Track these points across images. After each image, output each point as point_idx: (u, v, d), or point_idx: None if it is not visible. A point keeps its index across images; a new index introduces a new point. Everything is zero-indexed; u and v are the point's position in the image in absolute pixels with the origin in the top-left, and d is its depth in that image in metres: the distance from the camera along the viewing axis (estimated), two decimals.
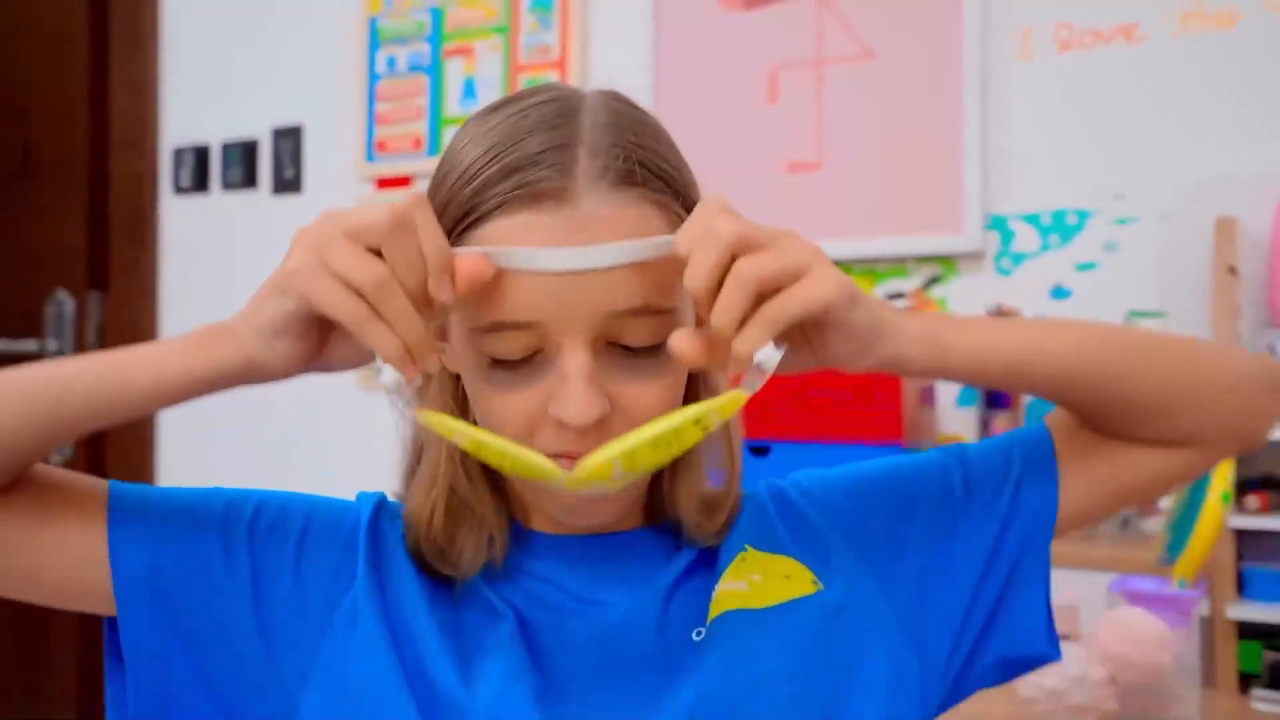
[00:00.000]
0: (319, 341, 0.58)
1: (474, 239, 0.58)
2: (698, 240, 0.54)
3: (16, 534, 0.61)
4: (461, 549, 0.64)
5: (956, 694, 0.69)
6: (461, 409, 0.65)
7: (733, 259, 0.54)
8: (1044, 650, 0.69)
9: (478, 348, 0.59)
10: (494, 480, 0.66)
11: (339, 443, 2.06)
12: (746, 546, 0.67)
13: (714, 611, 0.63)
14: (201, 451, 2.21)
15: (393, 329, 0.54)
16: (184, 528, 0.64)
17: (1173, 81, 1.51)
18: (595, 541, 0.66)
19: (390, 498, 0.71)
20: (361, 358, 0.59)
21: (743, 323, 0.53)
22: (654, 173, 0.59)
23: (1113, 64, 1.54)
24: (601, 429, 0.58)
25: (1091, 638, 1.02)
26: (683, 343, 0.56)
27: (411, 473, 0.68)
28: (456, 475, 0.65)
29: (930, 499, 0.69)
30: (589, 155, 0.58)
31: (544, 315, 0.57)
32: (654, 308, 0.58)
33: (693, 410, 0.56)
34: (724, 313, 0.53)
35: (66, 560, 0.62)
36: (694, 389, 0.66)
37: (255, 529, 0.65)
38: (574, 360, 0.57)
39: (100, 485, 0.65)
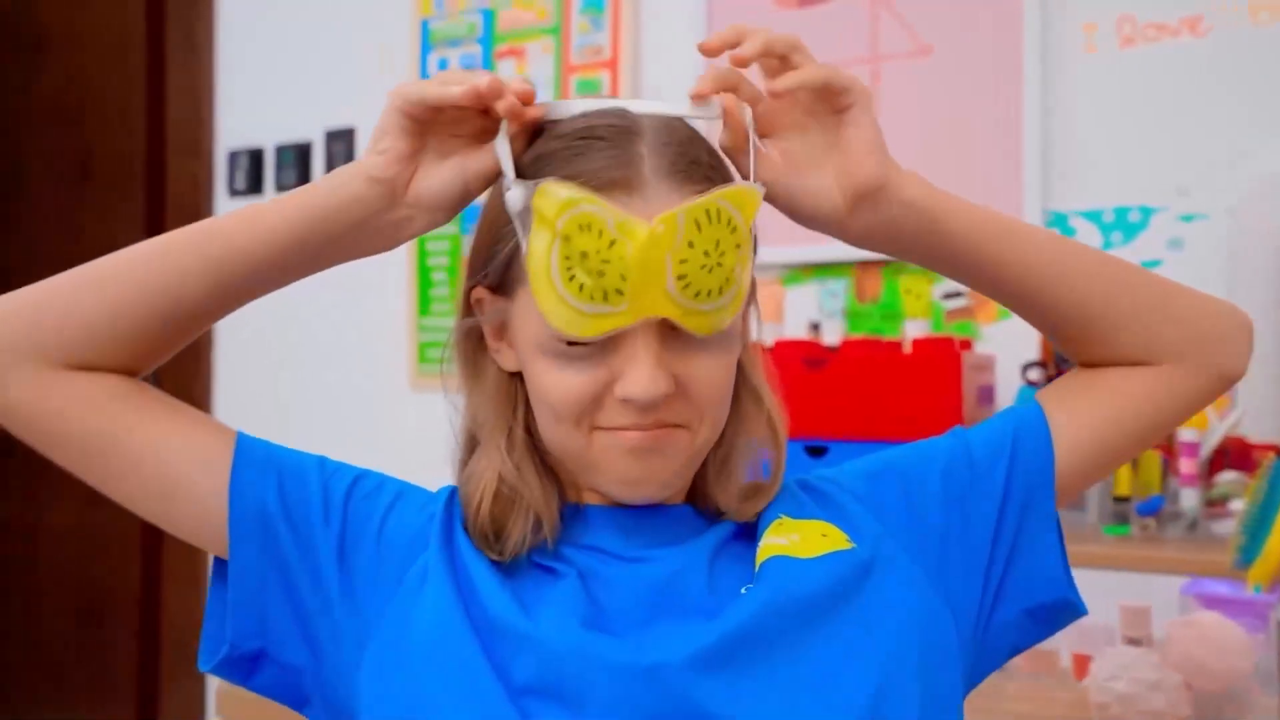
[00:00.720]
0: (412, 149, 0.64)
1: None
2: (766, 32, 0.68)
3: (149, 416, 0.67)
4: (509, 534, 0.66)
5: (992, 653, 0.71)
6: (514, 409, 0.69)
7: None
8: (1065, 593, 0.70)
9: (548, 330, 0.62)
10: (544, 465, 0.69)
11: (391, 441, 2.06)
12: (782, 515, 0.69)
13: (760, 559, 0.66)
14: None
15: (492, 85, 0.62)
16: (296, 478, 0.69)
17: (1239, 74, 1.47)
18: (642, 512, 0.68)
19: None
20: (450, 183, 0.65)
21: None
22: (708, 165, 0.65)
23: (1177, 57, 1.50)
24: (664, 408, 0.62)
25: (1165, 642, 0.99)
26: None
27: (464, 464, 0.71)
28: (505, 464, 0.67)
29: (939, 466, 0.71)
30: (650, 159, 0.63)
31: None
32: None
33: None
34: (762, 40, 0.67)
35: (188, 456, 0.67)
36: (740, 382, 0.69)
37: (352, 494, 0.69)
38: (644, 345, 0.61)
39: (228, 427, 0.70)
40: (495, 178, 0.66)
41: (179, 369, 2.29)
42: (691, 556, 0.67)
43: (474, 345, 0.70)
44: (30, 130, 2.50)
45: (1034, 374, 1.51)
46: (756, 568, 0.66)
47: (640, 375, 0.60)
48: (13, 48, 2.52)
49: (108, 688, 2.35)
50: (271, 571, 0.67)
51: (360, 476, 0.71)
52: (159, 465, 0.66)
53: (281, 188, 2.21)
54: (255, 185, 2.24)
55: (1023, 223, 0.73)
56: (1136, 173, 1.53)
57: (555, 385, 0.63)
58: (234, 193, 2.26)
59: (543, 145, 0.65)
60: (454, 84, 0.63)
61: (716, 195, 0.61)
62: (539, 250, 0.61)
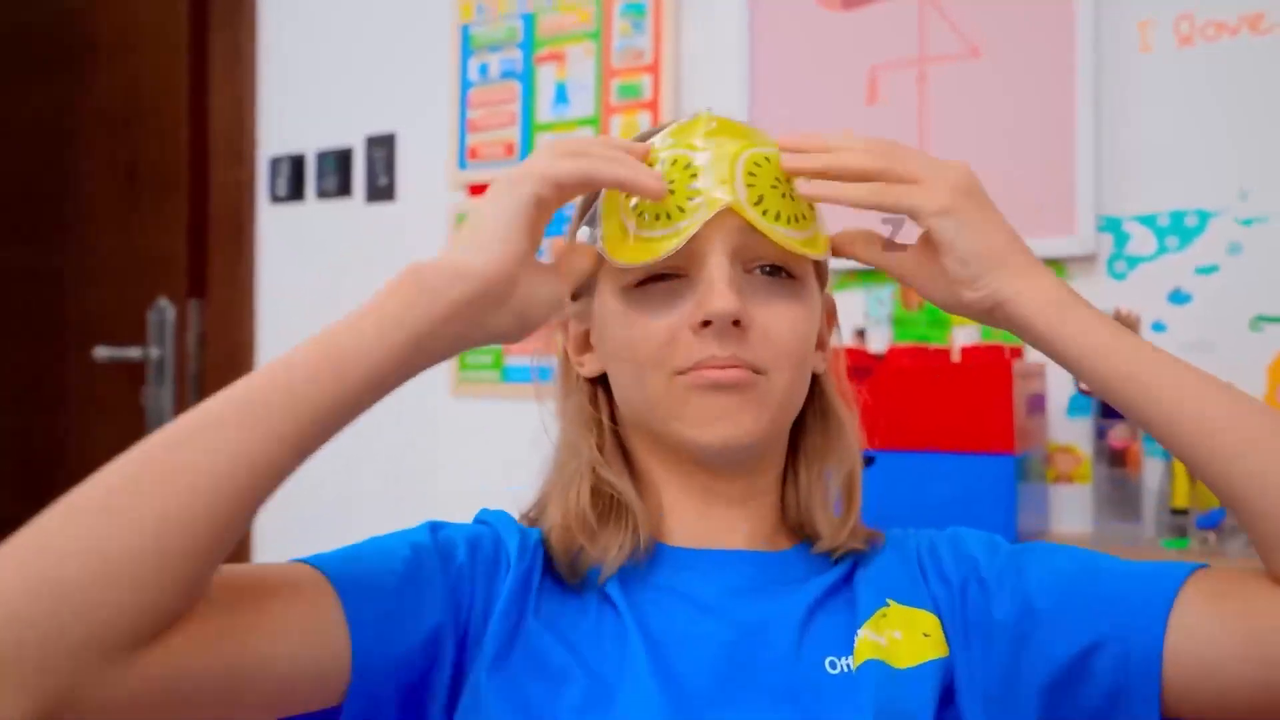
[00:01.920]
0: (527, 251, 0.59)
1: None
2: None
3: (239, 634, 0.53)
4: (606, 547, 0.65)
5: None
6: (600, 411, 0.70)
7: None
8: None
9: (625, 279, 0.65)
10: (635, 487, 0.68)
11: (431, 448, 2.06)
12: (889, 601, 0.66)
13: (859, 655, 0.63)
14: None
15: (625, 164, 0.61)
16: (404, 595, 0.61)
17: None
18: (730, 557, 0.67)
19: (518, 515, 0.72)
20: (554, 292, 0.62)
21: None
22: None
23: (1237, 56, 1.46)
24: (739, 339, 0.62)
25: None
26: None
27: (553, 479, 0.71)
28: (598, 460, 0.67)
29: (1065, 596, 0.64)
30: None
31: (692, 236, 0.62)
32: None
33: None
34: (847, 155, 0.62)
35: (302, 642, 0.56)
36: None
37: (453, 584, 0.63)
38: (716, 265, 0.63)
39: (303, 568, 0.60)
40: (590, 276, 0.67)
41: (222, 376, 2.31)
42: (782, 609, 0.65)
43: (563, 371, 0.72)
44: (80, 138, 2.54)
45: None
46: (855, 666, 0.62)
47: (715, 292, 0.61)
48: (64, 57, 2.55)
49: None
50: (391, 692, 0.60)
51: (447, 550, 0.64)
52: (279, 680, 0.55)
53: (322, 194, 2.21)
54: (297, 191, 2.25)
55: (1172, 363, 0.60)
56: (1193, 175, 1.49)
57: (635, 331, 0.64)
58: (276, 199, 2.27)
59: None
60: (616, 159, 0.60)
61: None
62: (609, 225, 0.64)
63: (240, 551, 2.27)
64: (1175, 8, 1.50)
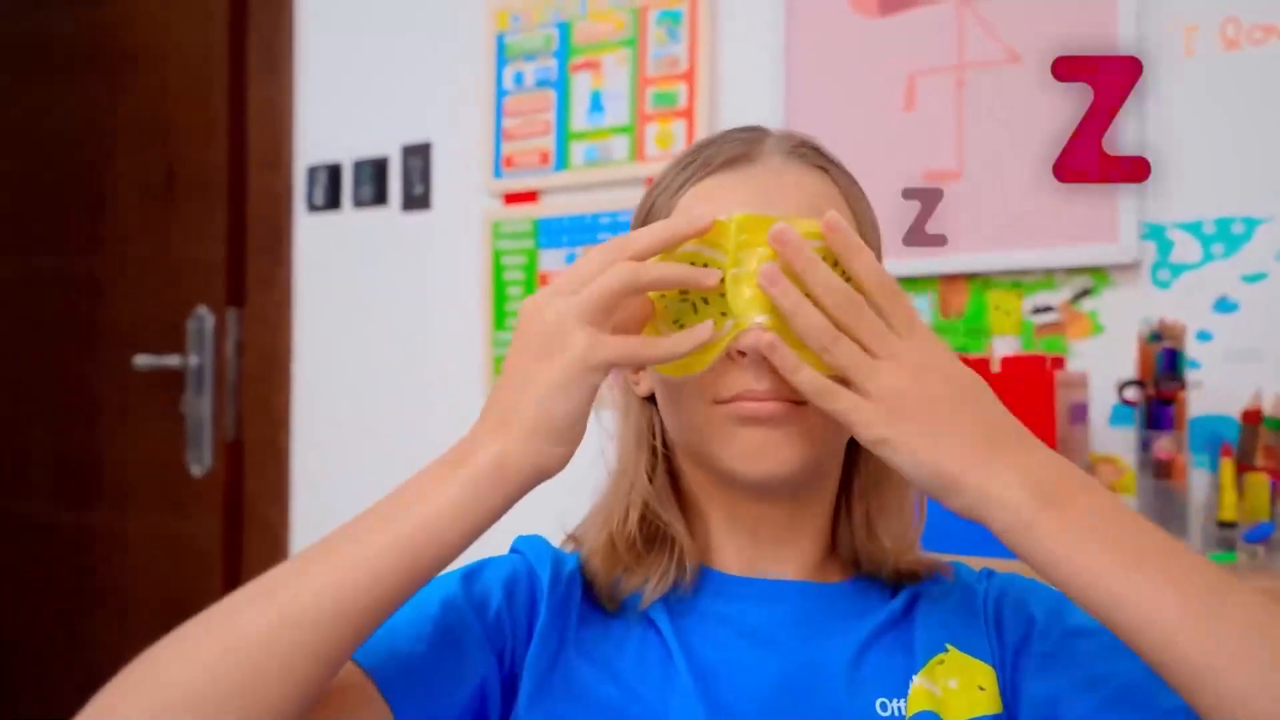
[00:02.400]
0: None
1: (675, 211, 0.67)
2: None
3: None
4: (648, 575, 0.65)
5: None
6: (654, 431, 0.70)
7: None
8: None
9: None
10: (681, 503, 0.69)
11: None
12: (948, 646, 0.65)
13: (912, 706, 0.62)
14: (335, 466, 2.25)
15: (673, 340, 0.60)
16: (442, 662, 0.62)
17: None
18: (782, 587, 0.66)
19: (561, 540, 0.72)
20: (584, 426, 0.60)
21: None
22: (831, 159, 0.71)
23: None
24: (780, 376, 0.60)
25: None
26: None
27: (607, 493, 0.71)
28: (648, 488, 0.67)
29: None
30: (773, 139, 0.69)
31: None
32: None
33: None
34: (812, 328, 0.58)
35: None
36: None
37: (492, 632, 0.64)
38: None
39: (347, 667, 0.59)
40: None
41: (260, 384, 2.33)
42: (835, 643, 0.64)
43: (623, 389, 0.73)
44: (118, 145, 2.57)
45: (1130, 393, 1.45)
46: (909, 714, 0.61)
47: (752, 333, 0.61)
48: (101, 64, 2.58)
49: None
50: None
51: (480, 605, 0.65)
52: None
53: (359, 203, 2.23)
54: (333, 200, 2.26)
55: (1168, 579, 0.52)
56: (1240, 182, 1.46)
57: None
58: (312, 208, 2.29)
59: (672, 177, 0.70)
60: (665, 350, 0.59)
61: (814, 234, 0.61)
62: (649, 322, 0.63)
63: (278, 558, 2.28)
64: (1221, 11, 1.47)
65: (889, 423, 0.56)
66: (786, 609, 0.66)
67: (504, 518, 0.58)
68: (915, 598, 0.68)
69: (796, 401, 0.62)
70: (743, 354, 0.62)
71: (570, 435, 0.56)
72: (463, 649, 0.62)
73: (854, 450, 0.70)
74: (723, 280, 0.61)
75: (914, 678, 0.63)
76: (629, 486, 0.68)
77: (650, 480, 0.68)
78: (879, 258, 0.68)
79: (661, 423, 0.70)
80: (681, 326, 0.61)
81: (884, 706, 0.62)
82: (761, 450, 0.62)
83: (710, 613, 0.65)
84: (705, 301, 0.61)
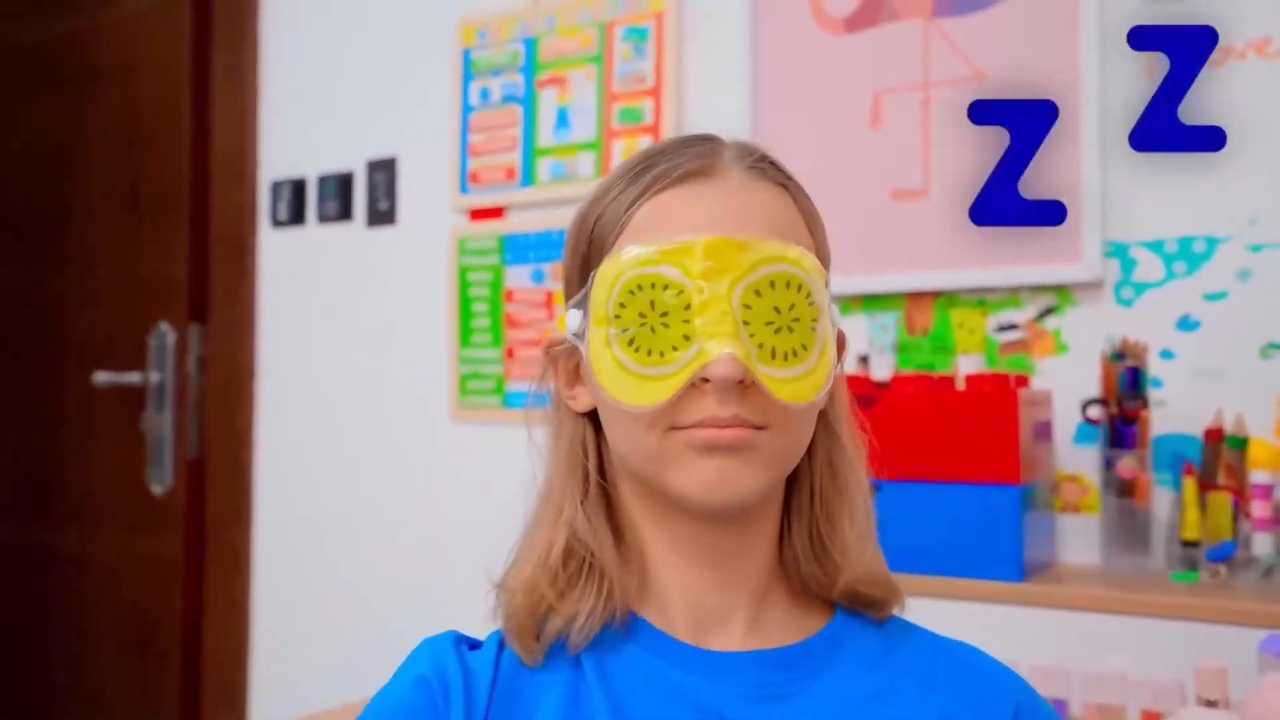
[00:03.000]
0: None
1: (630, 225, 0.63)
2: None
3: None
4: (574, 612, 0.61)
5: None
6: (587, 453, 0.67)
7: None
8: None
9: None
10: (615, 531, 0.65)
11: (431, 474, 2.04)
12: None
13: None
14: (298, 484, 2.22)
15: None
16: None
17: None
18: (738, 661, 0.63)
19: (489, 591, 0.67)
20: None
21: None
22: (788, 175, 0.67)
23: (1243, 80, 1.44)
24: (741, 397, 0.60)
25: (1245, 704, 0.93)
26: None
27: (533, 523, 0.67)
28: (577, 514, 0.64)
29: None
30: (730, 149, 0.66)
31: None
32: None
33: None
34: None
35: None
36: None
37: None
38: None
39: None
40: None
41: (222, 401, 2.30)
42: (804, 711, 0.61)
43: (555, 404, 0.69)
44: (81, 161, 2.53)
45: (1094, 411, 1.45)
46: None
47: (718, 361, 0.59)
48: (66, 79, 2.55)
49: (151, 717, 2.34)
50: None
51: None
52: None
53: (323, 219, 2.21)
54: (298, 216, 2.24)
55: None
56: (1201, 201, 1.47)
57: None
58: (277, 223, 2.26)
59: (620, 187, 0.66)
60: None
61: (781, 258, 0.61)
62: (596, 342, 0.62)
63: (240, 577, 2.25)
64: None
65: None
66: (745, 686, 0.62)
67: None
68: (931, 673, 0.65)
69: (757, 427, 0.61)
70: (705, 380, 0.60)
71: None
72: None
73: (801, 464, 0.67)
74: (687, 305, 0.59)
75: None
76: (556, 514, 0.65)
77: (581, 506, 0.64)
78: (829, 275, 0.66)
79: (598, 442, 0.67)
80: (637, 349, 0.60)
81: None
82: (722, 480, 0.60)
83: (652, 671, 0.62)
84: (665, 325, 0.59)
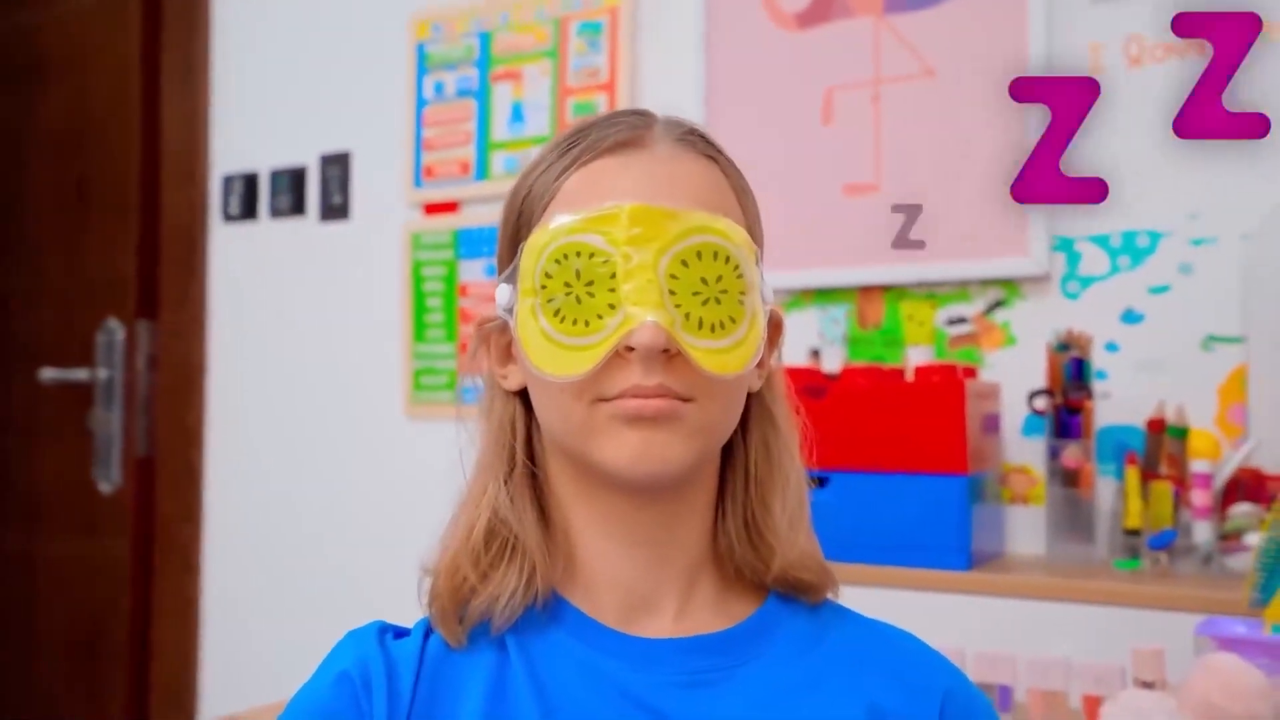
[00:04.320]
0: None
1: (559, 195, 0.63)
2: None
3: None
4: (497, 593, 0.61)
5: None
6: (516, 432, 0.66)
7: None
8: None
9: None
10: (541, 512, 0.64)
11: (384, 470, 2.03)
12: None
13: None
14: (249, 483, 2.19)
15: None
16: None
17: (1252, 95, 1.43)
18: (667, 647, 0.63)
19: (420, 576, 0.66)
20: None
21: None
22: (719, 149, 0.67)
23: (1187, 77, 1.47)
24: (666, 366, 0.59)
25: (1181, 686, 0.94)
26: None
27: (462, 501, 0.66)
28: (500, 494, 0.63)
29: None
30: (661, 125, 0.66)
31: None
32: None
33: None
34: None
35: None
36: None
37: None
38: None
39: None
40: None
41: (172, 399, 2.27)
42: (736, 694, 0.61)
43: (487, 383, 0.69)
44: (29, 156, 2.49)
45: (1040, 402, 1.47)
46: None
47: (643, 329, 0.58)
48: (12, 74, 2.51)
49: (99, 718, 2.31)
50: None
51: None
52: None
53: (276, 213, 2.18)
54: (250, 210, 2.22)
55: None
56: (1144, 196, 1.49)
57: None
58: (228, 218, 2.24)
59: (552, 156, 0.65)
60: None
61: (708, 229, 0.60)
62: (523, 312, 0.61)
63: (190, 577, 2.22)
64: (1125, 29, 1.51)
65: None
66: (674, 673, 0.61)
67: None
68: (821, 634, 0.65)
69: (683, 398, 0.60)
70: (630, 349, 0.59)
71: None
72: None
73: (730, 447, 0.67)
74: (612, 274, 0.59)
75: None
76: (480, 493, 0.64)
77: (505, 485, 0.63)
78: (762, 253, 0.65)
79: (527, 422, 0.66)
80: (563, 319, 0.59)
81: None
82: (647, 450, 0.59)
83: (579, 658, 0.61)
84: (590, 295, 0.59)
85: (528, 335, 0.61)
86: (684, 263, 0.60)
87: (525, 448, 0.66)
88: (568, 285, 0.60)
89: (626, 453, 0.60)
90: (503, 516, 0.62)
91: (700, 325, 0.59)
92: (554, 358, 0.60)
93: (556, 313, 0.60)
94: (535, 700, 0.59)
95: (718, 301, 0.60)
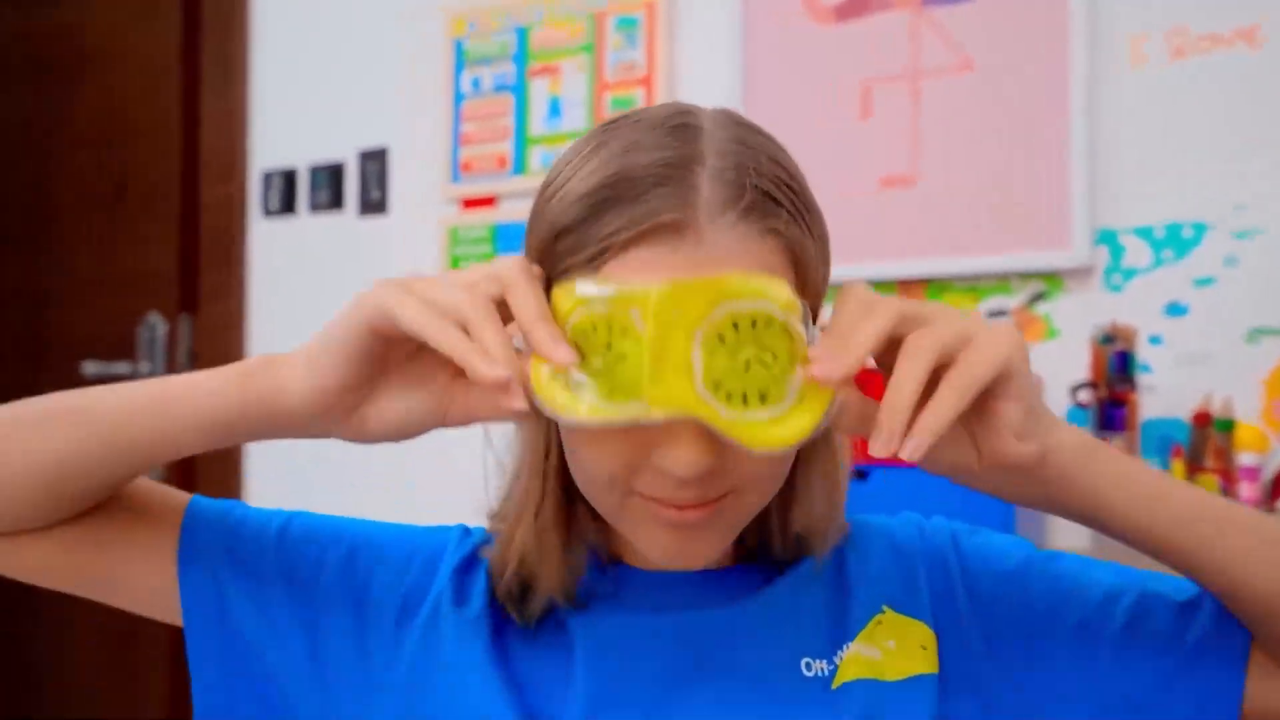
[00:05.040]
0: (363, 379, 0.55)
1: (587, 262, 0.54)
2: (859, 315, 0.51)
3: (88, 556, 0.62)
4: (531, 602, 0.62)
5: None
6: (548, 453, 0.62)
7: (894, 340, 0.51)
8: None
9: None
10: (572, 525, 0.63)
11: (425, 458, 2.04)
12: (885, 608, 0.62)
13: (844, 673, 0.60)
14: (289, 473, 2.21)
15: (488, 354, 0.49)
16: (252, 568, 0.64)
17: None
18: (692, 577, 0.63)
19: (486, 527, 0.68)
20: (406, 422, 0.56)
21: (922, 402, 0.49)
22: (779, 200, 0.55)
23: (1232, 68, 1.46)
24: (707, 483, 0.54)
25: None
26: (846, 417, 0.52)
27: (508, 499, 0.66)
28: (529, 536, 0.62)
29: (1086, 623, 0.62)
30: (710, 183, 0.53)
31: None
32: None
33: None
34: (906, 384, 0.49)
35: (137, 589, 0.65)
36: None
37: (320, 576, 0.65)
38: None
39: (178, 505, 0.65)
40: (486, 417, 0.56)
41: None
42: (742, 614, 0.61)
43: None
44: (67, 153, 2.52)
45: (1084, 395, 1.46)
46: (837, 684, 0.59)
47: (680, 452, 0.52)
48: (53, 70, 2.54)
49: (139, 713, 2.34)
50: (238, 678, 0.64)
51: (326, 545, 0.67)
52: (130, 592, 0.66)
53: (315, 208, 2.20)
54: (289, 205, 2.24)
55: (1213, 502, 0.57)
56: (1189, 188, 1.49)
57: (588, 452, 0.56)
58: (268, 213, 2.26)
59: (560, 211, 0.55)
60: (452, 339, 0.50)
61: (759, 301, 0.50)
62: (541, 378, 0.52)
63: None
64: (1168, 21, 1.50)
65: (1010, 340, 0.51)
66: (690, 588, 0.62)
67: None
68: (842, 560, 0.64)
69: (722, 496, 0.55)
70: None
71: (320, 368, 0.54)
72: (272, 571, 0.65)
73: None
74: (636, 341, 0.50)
75: (848, 645, 0.60)
76: (515, 528, 0.63)
77: (536, 517, 0.61)
78: (821, 303, 0.60)
79: (560, 442, 0.61)
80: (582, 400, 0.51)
81: (809, 666, 0.60)
82: (682, 549, 0.57)
83: (613, 601, 0.62)
84: (622, 361, 0.51)
85: (539, 379, 0.53)
86: (731, 329, 0.51)
87: (558, 476, 0.62)
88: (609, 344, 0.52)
89: (659, 550, 0.57)
90: (531, 562, 0.62)
91: (745, 400, 0.51)
92: (570, 401, 0.52)
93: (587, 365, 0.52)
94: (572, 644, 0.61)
95: (765, 365, 0.51)
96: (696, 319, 0.50)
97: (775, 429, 0.51)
